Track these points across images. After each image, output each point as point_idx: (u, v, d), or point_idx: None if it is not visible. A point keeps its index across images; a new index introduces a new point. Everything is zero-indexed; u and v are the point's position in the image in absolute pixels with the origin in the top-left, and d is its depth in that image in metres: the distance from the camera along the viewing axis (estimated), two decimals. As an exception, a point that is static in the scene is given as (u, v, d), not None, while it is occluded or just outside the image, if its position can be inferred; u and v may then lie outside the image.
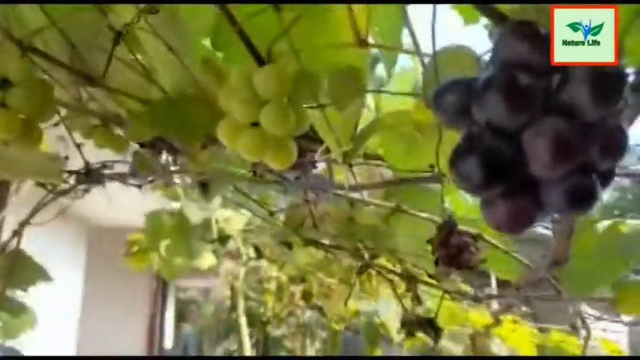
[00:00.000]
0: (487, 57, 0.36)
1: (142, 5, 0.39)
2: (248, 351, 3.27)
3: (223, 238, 1.40)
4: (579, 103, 0.22)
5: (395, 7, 0.36)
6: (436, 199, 0.67)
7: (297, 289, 1.87)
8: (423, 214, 0.65)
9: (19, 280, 0.99)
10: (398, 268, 0.91)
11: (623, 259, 0.60)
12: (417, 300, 0.81)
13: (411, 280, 0.81)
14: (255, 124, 0.38)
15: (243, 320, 3.41)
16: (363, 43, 0.36)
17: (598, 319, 0.67)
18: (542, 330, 1.38)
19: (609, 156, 0.22)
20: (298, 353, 5.21)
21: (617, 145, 0.22)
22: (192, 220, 1.40)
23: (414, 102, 0.44)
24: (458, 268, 0.47)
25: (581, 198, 0.23)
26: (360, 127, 0.47)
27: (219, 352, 5.63)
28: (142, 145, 0.64)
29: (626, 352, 1.42)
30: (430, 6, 0.36)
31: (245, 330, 3.43)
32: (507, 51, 0.23)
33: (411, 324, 0.77)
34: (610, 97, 0.22)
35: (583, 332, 0.79)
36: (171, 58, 0.43)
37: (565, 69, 0.23)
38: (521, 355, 1.37)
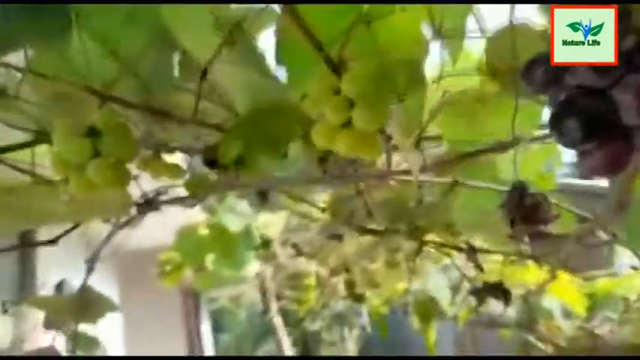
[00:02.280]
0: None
1: (219, 40, 0.42)
2: (288, 350, 3.30)
3: (266, 243, 1.44)
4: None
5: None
6: (490, 170, 0.70)
7: (340, 280, 1.91)
8: (482, 185, 0.69)
9: (89, 314, 1.03)
10: (453, 242, 0.94)
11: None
12: (480, 268, 0.84)
13: (470, 250, 0.84)
14: (346, 124, 0.41)
15: (278, 320, 3.45)
16: (436, 34, 0.39)
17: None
18: (587, 279, 1.42)
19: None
20: (337, 344, 5.27)
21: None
22: (232, 229, 1.44)
23: (476, 78, 0.47)
24: (536, 224, 0.50)
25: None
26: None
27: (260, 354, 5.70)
28: (210, 165, 0.68)
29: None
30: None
31: (282, 329, 3.47)
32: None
33: (480, 292, 0.80)
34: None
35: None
36: (249, 80, 0.46)
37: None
38: (573, 307, 1.40)
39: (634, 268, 0.87)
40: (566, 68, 0.27)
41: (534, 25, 0.40)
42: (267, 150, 0.47)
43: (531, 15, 0.42)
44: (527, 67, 0.29)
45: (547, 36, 0.40)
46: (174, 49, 0.50)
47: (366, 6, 0.40)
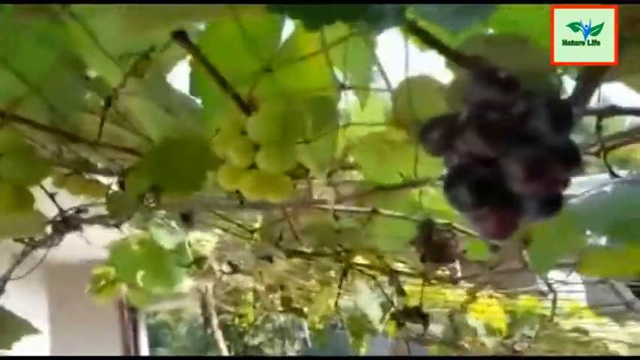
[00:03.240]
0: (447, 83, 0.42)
1: (128, 68, 0.41)
2: (228, 363, 3.24)
3: (199, 260, 1.41)
4: (541, 130, 0.27)
5: (366, 49, 0.40)
6: (407, 199, 0.73)
7: (276, 297, 1.90)
8: (397, 214, 0.71)
9: (3, 338, 0.97)
10: (377, 265, 0.96)
11: (580, 231, 0.67)
12: (401, 291, 0.87)
13: (392, 273, 0.86)
14: (252, 166, 0.41)
15: (219, 334, 3.39)
16: (341, 87, 0.40)
17: (562, 282, 0.75)
18: (509, 297, 1.49)
19: (568, 169, 0.28)
20: (279, 357, 5.22)
21: (575, 160, 0.27)
22: (165, 246, 1.40)
23: (382, 124, 0.49)
24: (443, 262, 0.52)
25: (553, 205, 0.28)
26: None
27: (199, 369, 5.56)
28: (123, 188, 0.66)
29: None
30: (394, 43, 0.41)
31: (222, 343, 3.41)
32: (477, 94, 0.28)
33: (400, 315, 0.83)
34: (565, 124, 0.27)
35: (551, 295, 0.87)
36: (157, 112, 0.46)
37: (526, 103, 0.28)
38: (493, 326, 1.47)
39: (542, 293, 0.93)
40: (458, 134, 0.28)
41: (437, 80, 0.41)
42: (179, 184, 0.47)
43: (435, 68, 0.44)
44: (424, 129, 0.30)
45: (445, 92, 0.42)
46: (83, 71, 0.48)
47: (277, 50, 0.41)
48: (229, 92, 0.41)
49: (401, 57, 0.42)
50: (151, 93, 0.43)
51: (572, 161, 0.27)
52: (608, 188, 0.55)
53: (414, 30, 0.29)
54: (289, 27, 0.45)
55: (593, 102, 0.38)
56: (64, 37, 0.46)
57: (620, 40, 0.27)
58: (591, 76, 0.31)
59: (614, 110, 0.40)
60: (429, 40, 0.30)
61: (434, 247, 0.53)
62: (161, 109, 0.44)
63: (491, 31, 0.38)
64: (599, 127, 0.42)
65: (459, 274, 0.96)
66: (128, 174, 0.54)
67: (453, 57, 0.31)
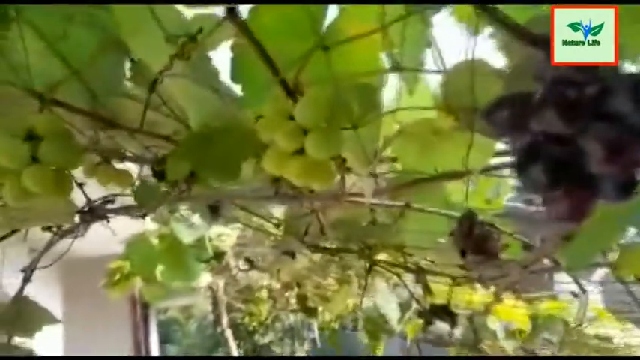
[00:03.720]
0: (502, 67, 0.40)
1: (175, 50, 0.41)
2: (238, 362, 3.25)
3: (219, 255, 1.41)
4: (622, 109, 0.26)
5: (423, 30, 0.39)
6: (441, 195, 0.71)
7: (292, 294, 1.89)
8: (432, 209, 0.70)
9: (25, 327, 0.97)
10: (403, 263, 0.95)
11: (616, 228, 0.65)
12: (428, 290, 0.85)
13: (419, 271, 0.85)
14: (299, 152, 0.41)
15: (228, 332, 3.39)
16: (394, 68, 0.39)
17: (599, 283, 0.73)
18: (530, 300, 1.46)
19: (648, 152, 0.26)
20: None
21: (655, 142, 0.26)
22: (184, 240, 1.40)
23: (431, 109, 0.47)
24: (485, 255, 0.51)
25: (630, 188, 0.27)
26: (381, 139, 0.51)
27: (208, 366, 5.57)
28: (156, 176, 0.65)
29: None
30: (443, 24, 0.40)
31: (232, 342, 3.41)
32: (554, 70, 0.27)
33: (427, 314, 0.81)
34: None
35: (582, 297, 0.85)
36: (202, 95, 0.45)
37: (605, 81, 0.27)
38: (513, 329, 1.45)
39: (574, 294, 0.91)
40: (533, 112, 0.27)
41: (491, 63, 0.40)
42: (217, 170, 0.46)
43: (490, 53, 0.43)
44: (490, 110, 0.29)
45: (504, 75, 0.41)
46: (126, 56, 0.48)
47: (324, 32, 0.40)
48: (277, 76, 0.40)
49: (451, 44, 0.41)
50: (198, 75, 0.42)
51: (652, 143, 0.26)
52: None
53: (482, 7, 0.28)
54: (333, 11, 0.44)
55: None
56: (109, 21, 0.46)
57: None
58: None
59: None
60: (497, 18, 0.29)
61: (476, 240, 0.52)
62: (207, 91, 0.43)
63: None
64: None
65: (483, 275, 0.95)
66: (164, 161, 0.53)
67: (523, 35, 0.29)
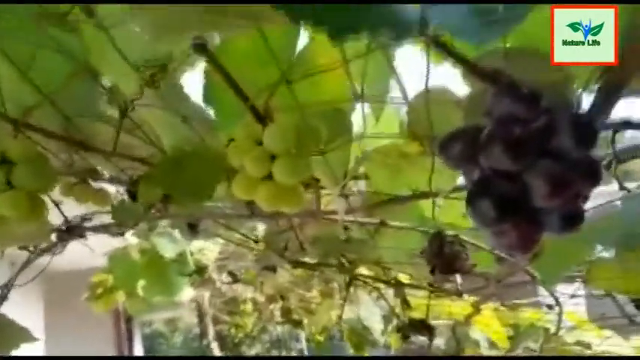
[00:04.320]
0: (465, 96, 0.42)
1: (144, 77, 0.41)
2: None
3: (201, 269, 1.40)
4: (565, 146, 0.27)
5: (385, 62, 0.41)
6: (415, 211, 0.73)
7: (276, 307, 1.89)
8: (405, 226, 0.71)
9: (2, 344, 0.96)
10: (381, 277, 0.96)
11: (587, 243, 0.67)
12: (406, 303, 0.86)
13: (398, 285, 0.86)
14: (267, 177, 0.41)
15: (214, 345, 3.35)
16: (358, 98, 0.41)
17: (573, 296, 0.75)
18: (512, 309, 1.48)
19: (590, 184, 0.28)
20: (275, 369, 5.18)
21: (597, 175, 0.28)
22: (165, 255, 1.39)
23: (397, 137, 0.49)
24: (454, 274, 0.52)
25: (574, 220, 0.28)
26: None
27: (194, 380, 5.51)
28: (132, 197, 0.66)
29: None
30: (410, 54, 0.41)
31: (218, 354, 3.38)
32: (500, 108, 0.29)
33: (405, 328, 0.82)
34: (588, 140, 0.27)
35: (556, 308, 0.87)
36: (172, 121, 0.46)
37: (549, 118, 0.28)
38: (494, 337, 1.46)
39: (549, 307, 0.93)
40: (481, 149, 0.28)
41: (452, 93, 0.42)
42: (189, 193, 0.47)
43: (450, 81, 0.44)
44: (444, 142, 0.31)
45: (463, 105, 0.42)
46: (97, 80, 0.48)
47: (286, 65, 0.41)
48: (246, 103, 0.41)
49: (416, 70, 0.43)
50: (168, 103, 0.43)
51: (593, 176, 0.28)
52: (618, 202, 0.55)
53: (436, 43, 0.29)
54: (303, 39, 0.45)
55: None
56: (81, 47, 0.46)
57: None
58: (610, 90, 0.31)
59: (628, 124, 0.41)
60: (450, 53, 0.30)
61: (445, 259, 0.53)
62: (177, 118, 0.44)
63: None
64: (613, 141, 0.42)
65: (461, 286, 0.96)
66: (139, 183, 0.54)
67: (474, 70, 0.31)
